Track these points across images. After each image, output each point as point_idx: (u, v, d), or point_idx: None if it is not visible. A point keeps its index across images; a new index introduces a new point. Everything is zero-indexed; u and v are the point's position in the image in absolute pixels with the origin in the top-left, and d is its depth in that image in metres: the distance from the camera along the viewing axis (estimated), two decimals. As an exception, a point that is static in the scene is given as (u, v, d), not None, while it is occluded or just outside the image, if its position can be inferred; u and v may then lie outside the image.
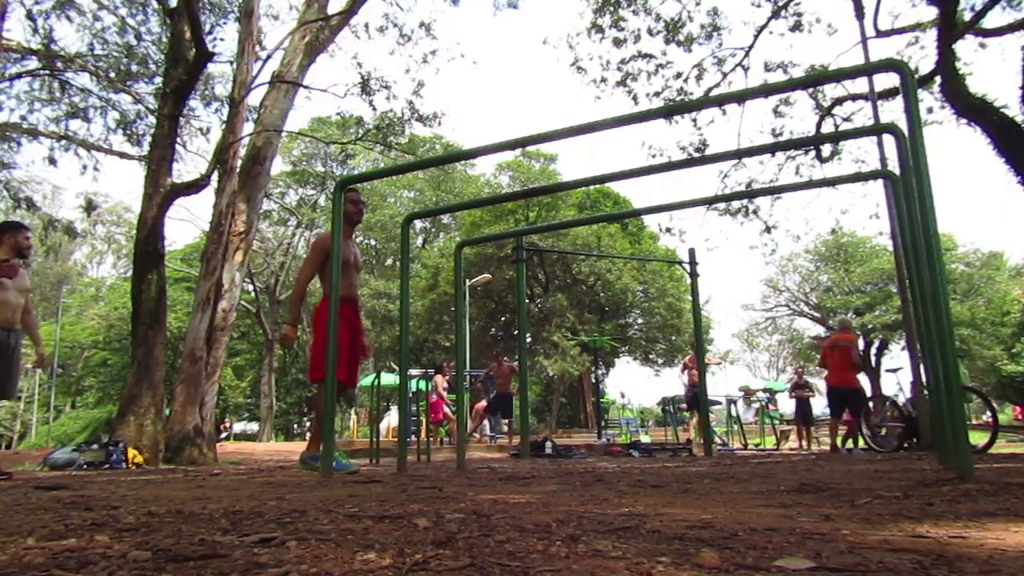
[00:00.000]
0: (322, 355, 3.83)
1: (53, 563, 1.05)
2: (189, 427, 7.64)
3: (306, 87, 9.71)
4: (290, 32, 9.80)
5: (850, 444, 8.96)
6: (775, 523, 1.44)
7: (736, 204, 12.65)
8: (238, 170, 8.87)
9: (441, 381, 11.92)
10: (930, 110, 10.32)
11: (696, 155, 11.50)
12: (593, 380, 25.06)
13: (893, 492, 2.15)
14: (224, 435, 23.78)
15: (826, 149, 11.65)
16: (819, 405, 12.59)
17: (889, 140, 6.66)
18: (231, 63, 10.38)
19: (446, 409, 11.83)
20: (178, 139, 9.11)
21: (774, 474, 3.31)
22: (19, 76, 11.96)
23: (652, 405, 30.24)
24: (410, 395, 10.48)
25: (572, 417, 31.68)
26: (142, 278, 7.72)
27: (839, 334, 8.52)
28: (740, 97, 5.41)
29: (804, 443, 11.16)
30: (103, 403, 31.02)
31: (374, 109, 10.78)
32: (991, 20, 8.99)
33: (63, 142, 12.22)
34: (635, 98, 12.25)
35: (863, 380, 8.69)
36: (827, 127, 11.17)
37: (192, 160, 22.14)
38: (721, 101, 7.37)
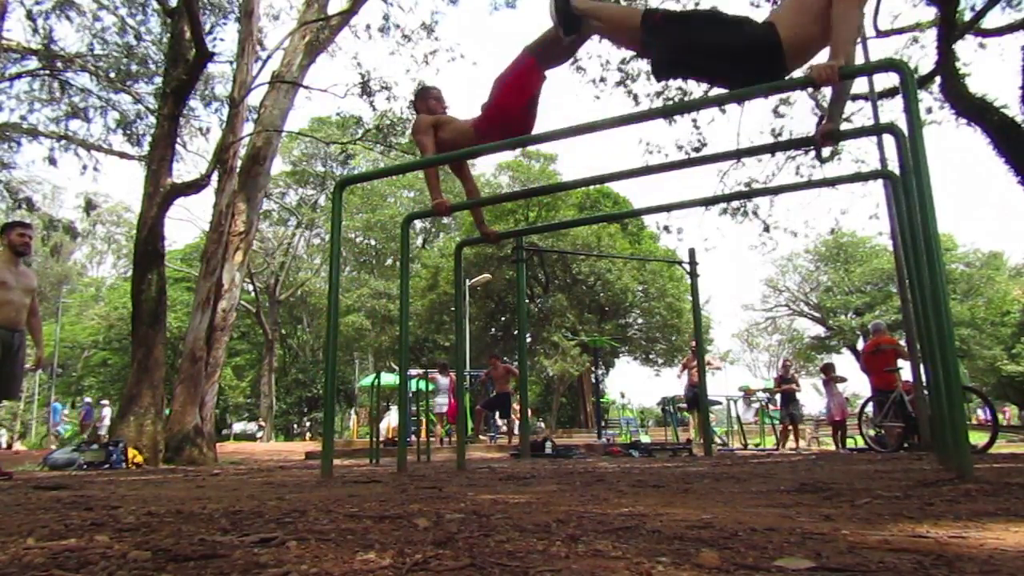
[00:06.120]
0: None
1: (53, 563, 1.05)
2: (189, 427, 7.65)
3: (306, 87, 9.73)
4: (290, 32, 9.81)
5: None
6: (775, 523, 1.44)
7: (736, 204, 12.62)
8: (238, 170, 8.89)
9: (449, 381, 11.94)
10: (930, 110, 10.30)
11: (695, 155, 11.48)
12: (593, 380, 25.06)
13: (893, 492, 2.15)
14: (261, 435, 24.26)
15: (826, 149, 11.63)
16: (802, 400, 12.37)
17: (889, 140, 6.66)
18: (231, 63, 10.40)
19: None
20: (178, 139, 9.12)
21: (774, 474, 3.30)
22: (19, 76, 11.98)
23: (652, 405, 30.25)
24: (410, 395, 10.48)
25: (572, 417, 31.68)
26: (142, 278, 7.72)
27: (880, 337, 8.27)
28: (740, 97, 5.40)
29: (793, 443, 10.93)
30: (103, 403, 31.04)
31: (374, 109, 10.80)
32: (991, 20, 8.99)
33: (63, 142, 12.24)
34: (635, 98, 12.23)
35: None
36: (827, 127, 11.13)
37: (192, 160, 22.12)
38: (721, 101, 7.35)
